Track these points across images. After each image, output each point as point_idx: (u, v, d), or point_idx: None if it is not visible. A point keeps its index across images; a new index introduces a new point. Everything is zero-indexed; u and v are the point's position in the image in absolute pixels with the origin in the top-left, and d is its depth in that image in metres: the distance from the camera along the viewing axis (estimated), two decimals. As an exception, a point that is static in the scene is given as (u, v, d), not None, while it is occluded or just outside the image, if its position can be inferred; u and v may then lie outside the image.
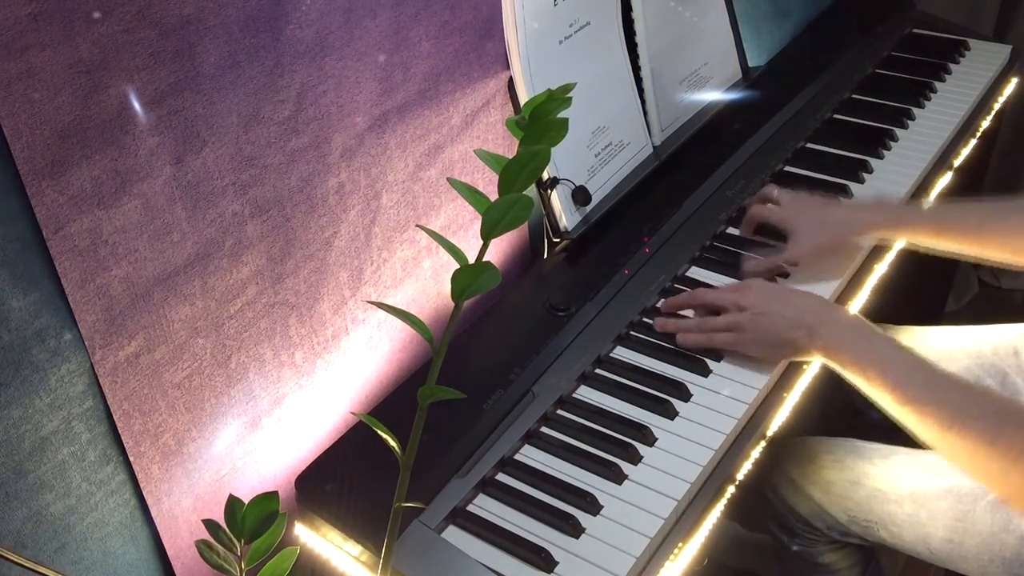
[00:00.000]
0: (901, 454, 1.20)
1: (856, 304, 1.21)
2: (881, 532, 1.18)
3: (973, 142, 1.54)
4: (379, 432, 0.67)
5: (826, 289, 1.18)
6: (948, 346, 1.30)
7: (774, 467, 1.26)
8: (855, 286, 1.22)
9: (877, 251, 1.26)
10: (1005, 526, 1.08)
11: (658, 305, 1.16)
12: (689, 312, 1.14)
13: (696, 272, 1.22)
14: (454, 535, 0.92)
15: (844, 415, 1.45)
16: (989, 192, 2.12)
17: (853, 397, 1.40)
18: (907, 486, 1.15)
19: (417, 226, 1.10)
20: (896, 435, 1.29)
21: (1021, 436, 0.86)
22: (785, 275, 1.20)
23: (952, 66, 1.62)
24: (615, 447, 0.99)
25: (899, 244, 1.25)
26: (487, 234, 0.61)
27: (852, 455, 1.22)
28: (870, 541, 1.21)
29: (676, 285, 1.20)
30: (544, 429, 1.02)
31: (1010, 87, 1.63)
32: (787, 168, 1.41)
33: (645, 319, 1.15)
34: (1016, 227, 1.11)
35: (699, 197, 1.32)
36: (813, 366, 1.12)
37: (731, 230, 1.29)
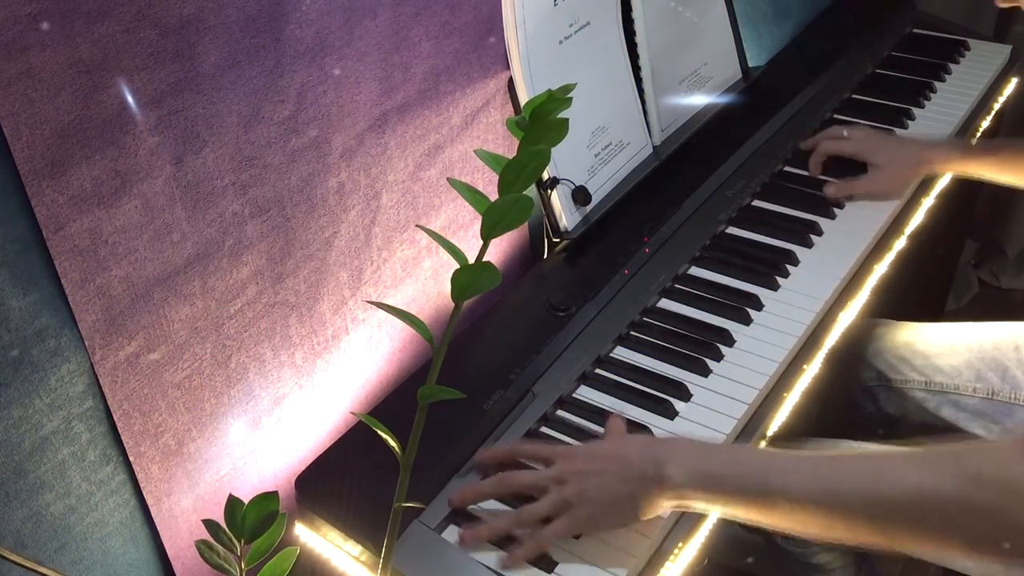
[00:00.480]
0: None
1: (856, 304, 1.21)
2: None
3: (973, 142, 1.54)
4: (379, 432, 0.67)
5: (829, 285, 1.18)
6: (948, 341, 1.30)
7: None
8: (855, 286, 1.22)
9: (877, 251, 1.26)
10: None
11: (450, 501, 0.92)
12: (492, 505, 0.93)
13: (696, 272, 1.22)
14: (454, 535, 0.92)
15: (843, 415, 1.45)
16: (989, 192, 2.12)
17: (854, 397, 1.41)
18: None
19: (417, 226, 1.10)
20: (892, 431, 1.30)
21: (965, 478, 0.76)
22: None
23: (952, 66, 1.62)
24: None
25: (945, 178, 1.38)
26: (487, 234, 0.61)
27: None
28: None
29: (676, 285, 1.20)
30: (544, 429, 1.02)
31: (1010, 87, 1.63)
32: (787, 168, 1.41)
33: (645, 319, 1.15)
34: None
35: (699, 197, 1.32)
36: (813, 366, 1.12)
37: (732, 230, 1.29)
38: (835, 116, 1.52)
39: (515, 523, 0.89)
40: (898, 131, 1.46)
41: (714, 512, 0.87)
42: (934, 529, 0.78)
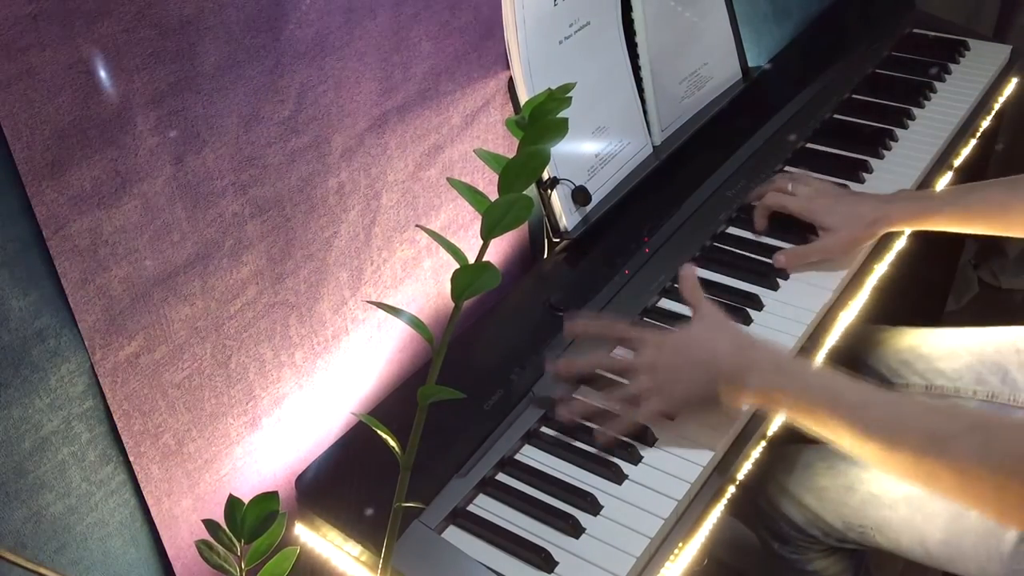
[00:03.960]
0: None
1: (856, 304, 1.21)
2: (877, 537, 1.18)
3: (973, 142, 1.54)
4: (379, 432, 0.67)
5: (830, 285, 1.18)
6: (950, 344, 1.30)
7: (767, 476, 1.25)
8: (855, 286, 1.22)
9: (877, 251, 1.26)
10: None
11: (550, 368, 1.02)
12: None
13: (696, 271, 1.22)
14: (454, 535, 0.92)
15: None
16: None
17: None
18: (901, 490, 1.15)
19: (417, 226, 1.10)
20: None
21: (1012, 447, 0.79)
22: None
23: (952, 66, 1.62)
24: (616, 447, 0.99)
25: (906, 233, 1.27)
26: (487, 234, 0.61)
27: (845, 461, 1.21)
28: (867, 547, 1.21)
29: (676, 285, 1.19)
30: (544, 429, 1.02)
31: (1010, 87, 1.63)
32: (787, 168, 1.41)
33: (645, 319, 1.15)
34: None
35: (699, 197, 1.32)
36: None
37: (732, 230, 1.29)
38: (835, 116, 1.52)
39: (608, 402, 0.99)
40: (853, 185, 1.35)
41: (790, 416, 0.94)
42: (976, 500, 0.84)
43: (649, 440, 0.99)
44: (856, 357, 1.38)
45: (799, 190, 1.24)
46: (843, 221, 1.20)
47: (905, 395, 0.92)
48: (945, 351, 1.29)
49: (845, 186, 1.35)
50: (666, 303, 1.18)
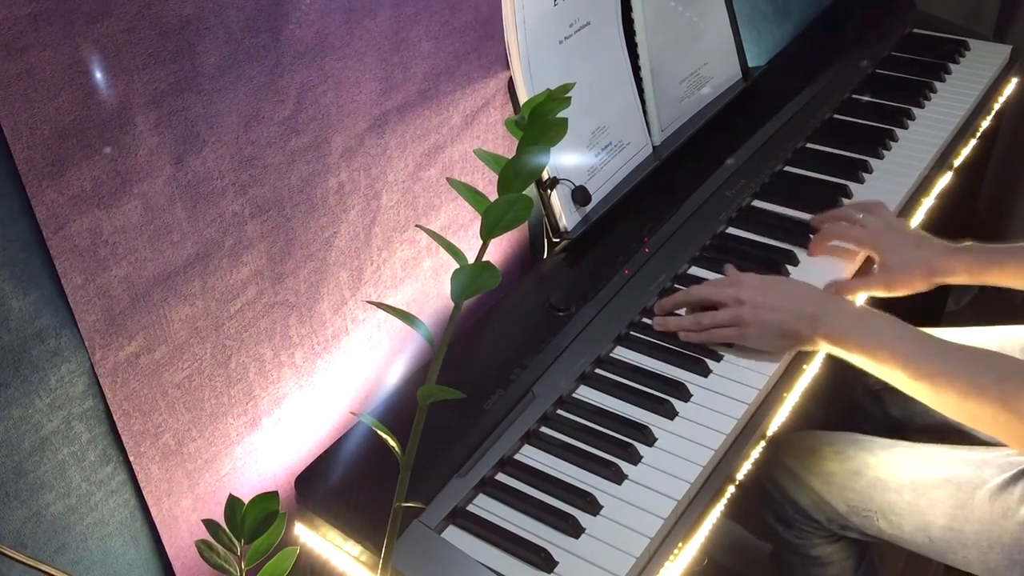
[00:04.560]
0: (902, 446, 1.21)
1: (857, 303, 1.21)
2: (880, 522, 1.18)
3: (973, 142, 1.54)
4: (379, 432, 0.67)
5: (830, 286, 1.18)
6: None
7: (775, 460, 1.26)
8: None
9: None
10: (1004, 513, 1.08)
11: (653, 306, 1.16)
12: (683, 311, 1.15)
13: (696, 271, 1.22)
14: (454, 535, 0.92)
15: (845, 415, 1.45)
16: (989, 192, 2.12)
17: (859, 401, 1.41)
18: (907, 475, 1.16)
19: (417, 226, 1.10)
20: (897, 434, 1.30)
21: None
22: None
23: (952, 66, 1.62)
24: (615, 447, 0.99)
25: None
26: (487, 234, 0.61)
27: (853, 446, 1.22)
28: (869, 534, 1.22)
29: (676, 285, 1.20)
30: (544, 429, 1.02)
31: (1010, 87, 1.63)
32: (787, 168, 1.41)
33: (645, 319, 1.15)
34: None
35: (699, 197, 1.32)
36: (813, 366, 1.13)
37: (732, 230, 1.29)
38: (835, 116, 1.52)
39: (696, 324, 1.11)
40: (853, 185, 1.35)
41: (858, 363, 1.04)
42: (1013, 440, 0.96)
43: (649, 440, 0.99)
44: None
45: (869, 222, 1.22)
46: (904, 262, 1.18)
47: (953, 345, 0.99)
48: None
49: (844, 187, 1.35)
50: (666, 303, 1.18)
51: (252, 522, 0.67)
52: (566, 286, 1.18)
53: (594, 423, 1.02)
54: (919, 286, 1.18)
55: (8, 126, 0.69)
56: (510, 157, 0.60)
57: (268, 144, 0.90)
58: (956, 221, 1.40)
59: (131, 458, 0.86)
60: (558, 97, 0.60)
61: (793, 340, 1.07)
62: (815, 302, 1.07)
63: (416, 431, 0.67)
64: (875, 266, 1.20)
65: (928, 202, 1.37)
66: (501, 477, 0.98)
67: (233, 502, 0.67)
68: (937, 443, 1.21)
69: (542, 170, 0.60)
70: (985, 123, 1.56)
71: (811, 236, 1.24)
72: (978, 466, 1.13)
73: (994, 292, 1.32)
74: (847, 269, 1.21)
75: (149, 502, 0.90)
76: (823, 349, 1.07)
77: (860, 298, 1.20)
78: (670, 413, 1.03)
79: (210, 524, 0.69)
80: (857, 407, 1.42)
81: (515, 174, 0.60)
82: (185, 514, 0.94)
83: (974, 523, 1.10)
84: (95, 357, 0.81)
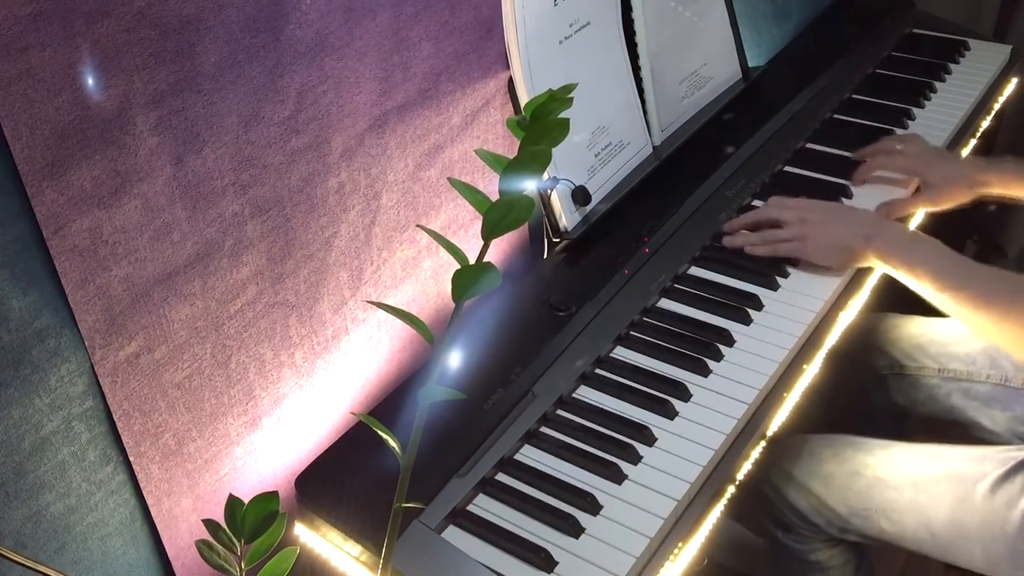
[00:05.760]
0: (900, 445, 1.21)
1: (856, 303, 1.21)
2: (881, 522, 1.18)
3: (973, 142, 1.54)
4: (379, 432, 0.67)
5: (829, 285, 1.18)
6: (961, 330, 1.32)
7: (773, 464, 1.26)
8: (856, 285, 1.22)
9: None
10: (1007, 503, 1.08)
11: (723, 228, 1.26)
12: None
13: (696, 272, 1.22)
14: (454, 535, 0.92)
15: (852, 406, 1.45)
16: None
17: (865, 386, 1.41)
18: (907, 473, 1.16)
19: (417, 226, 1.10)
20: (896, 433, 1.30)
21: None
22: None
23: (952, 66, 1.62)
24: (615, 447, 0.99)
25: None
26: (488, 235, 0.61)
27: (851, 448, 1.22)
28: (870, 535, 1.22)
29: (676, 285, 1.20)
30: (544, 429, 1.02)
31: (1010, 87, 1.63)
32: (787, 168, 1.41)
33: (645, 319, 1.15)
34: None
35: (699, 197, 1.32)
36: (813, 366, 1.13)
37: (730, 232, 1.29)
38: (835, 116, 1.52)
39: (762, 239, 1.22)
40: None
41: (899, 277, 1.15)
42: None
43: (649, 440, 0.99)
44: (869, 342, 1.39)
45: (909, 148, 1.34)
46: (945, 178, 1.29)
47: (983, 266, 1.10)
48: (958, 335, 1.33)
49: (844, 187, 1.35)
50: (666, 303, 1.18)
51: (252, 522, 0.67)
52: (566, 286, 1.18)
53: (594, 423, 1.02)
54: (961, 198, 1.30)
55: (8, 126, 0.69)
56: (511, 157, 0.60)
57: (268, 144, 0.90)
58: (956, 220, 1.40)
59: (131, 458, 0.86)
60: (560, 97, 0.60)
61: (847, 255, 1.17)
62: (871, 223, 1.18)
63: (416, 431, 0.67)
64: (919, 186, 1.32)
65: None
66: (501, 477, 0.98)
67: (233, 502, 0.67)
68: (937, 438, 1.21)
69: (543, 171, 0.60)
70: (985, 123, 1.56)
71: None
72: (978, 461, 1.13)
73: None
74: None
75: (149, 502, 0.90)
76: (872, 264, 1.16)
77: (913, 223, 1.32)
78: (670, 413, 1.03)
79: (210, 524, 0.69)
80: (862, 394, 1.43)
81: (516, 174, 0.60)
82: (185, 514, 0.94)
83: (976, 516, 1.10)
84: (95, 357, 0.81)
